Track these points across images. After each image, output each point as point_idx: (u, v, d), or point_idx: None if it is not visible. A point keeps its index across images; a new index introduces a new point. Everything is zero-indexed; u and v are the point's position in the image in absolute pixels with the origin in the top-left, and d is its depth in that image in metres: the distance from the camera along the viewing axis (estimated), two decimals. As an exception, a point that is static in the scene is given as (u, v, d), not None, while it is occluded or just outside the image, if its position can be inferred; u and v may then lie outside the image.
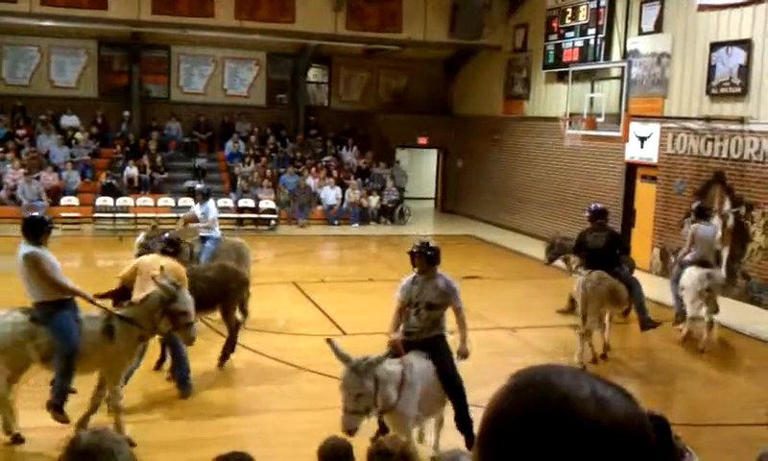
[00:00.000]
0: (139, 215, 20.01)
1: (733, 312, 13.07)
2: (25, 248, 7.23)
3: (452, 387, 7.06)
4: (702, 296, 11.36)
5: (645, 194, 17.31)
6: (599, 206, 11.38)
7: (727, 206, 14.92)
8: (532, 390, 1.14)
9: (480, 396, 8.42)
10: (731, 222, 14.84)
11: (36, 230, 7.33)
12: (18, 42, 23.61)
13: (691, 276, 11.58)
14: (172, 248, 8.95)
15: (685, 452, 4.41)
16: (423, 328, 7.12)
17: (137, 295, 7.98)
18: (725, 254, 14.90)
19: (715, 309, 11.48)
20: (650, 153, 16.89)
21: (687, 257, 11.92)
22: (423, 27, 22.80)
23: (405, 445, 4.24)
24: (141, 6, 20.92)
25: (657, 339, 12.40)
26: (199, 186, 14.07)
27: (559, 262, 13.33)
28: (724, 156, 14.95)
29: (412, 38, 23.06)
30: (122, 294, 8.40)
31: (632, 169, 17.75)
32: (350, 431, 5.89)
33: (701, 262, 11.71)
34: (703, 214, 12.30)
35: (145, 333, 7.58)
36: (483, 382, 9.31)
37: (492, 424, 1.15)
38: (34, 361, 7.24)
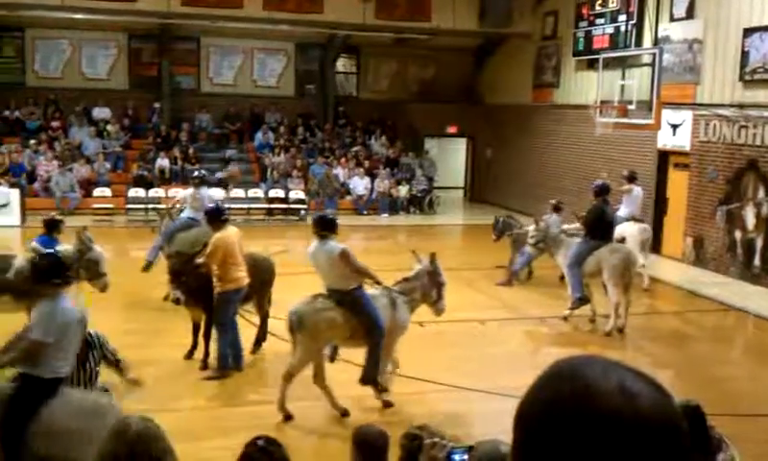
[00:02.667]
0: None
1: (768, 301, 12.94)
2: (334, 244, 7.99)
3: None
4: (644, 246, 13.58)
5: (678, 182, 17.13)
6: (606, 181, 12.23)
7: (761, 193, 14.72)
8: (559, 379, 1.17)
9: (509, 383, 8.42)
10: (765, 210, 14.65)
11: (334, 226, 8.17)
12: (50, 36, 23.84)
13: (631, 228, 13.68)
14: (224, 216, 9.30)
15: (722, 443, 4.37)
16: None
17: (223, 269, 8.78)
18: (759, 242, 14.73)
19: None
20: (682, 140, 16.70)
21: (620, 214, 13.83)
22: (452, 15, 22.68)
23: (433, 429, 4.26)
24: (171, -2, 21.06)
25: (691, 328, 12.33)
26: (195, 173, 14.42)
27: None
28: (758, 143, 14.74)
29: (441, 27, 22.95)
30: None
31: (664, 157, 17.56)
32: None
33: (635, 218, 14.30)
34: (634, 178, 14.67)
35: (415, 306, 8.48)
36: (513, 370, 9.37)
37: (523, 410, 1.19)
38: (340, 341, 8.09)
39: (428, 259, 8.66)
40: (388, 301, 8.25)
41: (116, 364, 6.40)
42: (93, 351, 6.13)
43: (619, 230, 12.79)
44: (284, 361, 9.22)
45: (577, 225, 12.53)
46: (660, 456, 1.10)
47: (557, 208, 14.15)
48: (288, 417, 7.88)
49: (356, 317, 7.99)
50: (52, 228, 9.87)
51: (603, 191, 11.79)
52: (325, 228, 8.12)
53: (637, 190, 14.57)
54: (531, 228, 13.19)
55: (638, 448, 1.09)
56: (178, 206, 13.31)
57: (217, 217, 9.27)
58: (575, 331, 11.63)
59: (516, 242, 14.22)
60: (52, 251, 8.76)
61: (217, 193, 13.60)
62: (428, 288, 8.55)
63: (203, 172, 14.62)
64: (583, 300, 11.39)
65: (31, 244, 9.63)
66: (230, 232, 9.16)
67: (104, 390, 6.25)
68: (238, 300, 9.25)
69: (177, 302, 9.29)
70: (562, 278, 13.63)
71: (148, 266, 12.65)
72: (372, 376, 8.13)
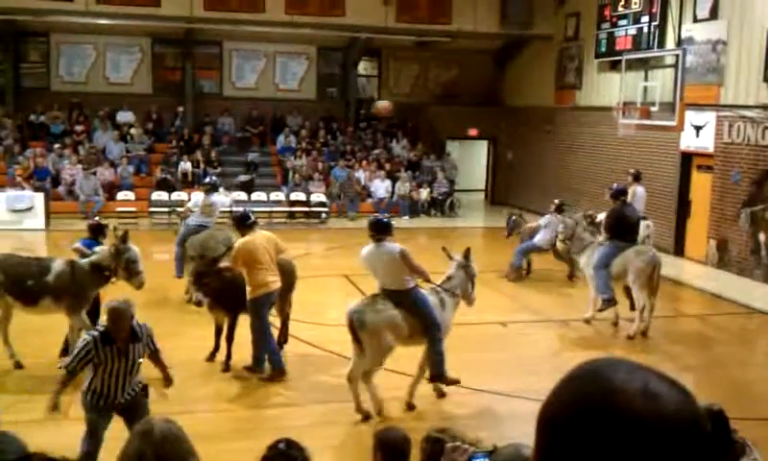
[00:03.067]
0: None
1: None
2: (392, 245, 8.22)
3: None
4: (644, 241, 13.32)
5: (701, 184, 17.00)
6: (621, 185, 12.41)
7: (786, 195, 14.60)
8: (583, 381, 1.17)
9: (531, 386, 8.40)
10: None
11: (390, 228, 8.42)
12: (74, 41, 24.09)
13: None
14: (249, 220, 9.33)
15: (745, 447, 4.34)
16: None
17: (251, 274, 8.81)
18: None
19: None
20: (706, 142, 16.57)
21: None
22: (474, 18, 22.67)
23: (458, 437, 4.24)
24: (194, 2, 21.21)
25: (715, 331, 12.24)
26: (207, 179, 14.74)
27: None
28: (783, 144, 14.61)
29: (462, 29, 22.95)
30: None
31: (687, 159, 17.44)
32: None
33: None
34: (638, 178, 15.06)
35: (457, 303, 8.83)
36: (535, 373, 9.35)
37: (546, 412, 1.20)
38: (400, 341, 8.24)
39: (462, 254, 8.99)
40: (438, 300, 8.51)
41: (157, 359, 6.47)
42: (137, 343, 6.13)
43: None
44: (306, 362, 9.28)
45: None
46: (683, 458, 1.10)
47: (559, 209, 14.33)
48: (367, 417, 8.01)
49: (414, 316, 8.20)
50: (97, 232, 10.01)
51: (620, 193, 11.88)
52: (382, 231, 8.33)
53: (641, 190, 14.81)
54: (542, 221, 14.22)
55: (661, 450, 1.09)
56: (189, 212, 13.48)
57: (242, 222, 9.31)
58: (597, 335, 11.58)
59: (523, 238, 14.99)
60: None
61: (225, 200, 13.88)
62: (465, 283, 8.88)
63: (214, 178, 15.10)
64: (611, 301, 11.32)
65: (74, 245, 9.76)
66: (257, 237, 9.15)
67: (142, 387, 6.29)
68: (270, 304, 9.26)
69: (199, 304, 9.35)
70: (570, 276, 14.48)
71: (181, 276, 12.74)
72: (439, 371, 8.32)
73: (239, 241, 9.09)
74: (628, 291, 11.59)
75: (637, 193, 14.67)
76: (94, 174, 21.22)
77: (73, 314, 8.98)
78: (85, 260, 9.16)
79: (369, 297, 8.34)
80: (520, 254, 14.84)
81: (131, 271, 9.32)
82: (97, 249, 9.46)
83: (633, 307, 11.60)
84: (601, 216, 13.23)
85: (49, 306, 9.02)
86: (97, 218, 11.08)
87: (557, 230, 13.50)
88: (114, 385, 6.08)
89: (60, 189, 20.98)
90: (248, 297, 9.04)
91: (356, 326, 8.00)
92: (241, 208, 10.55)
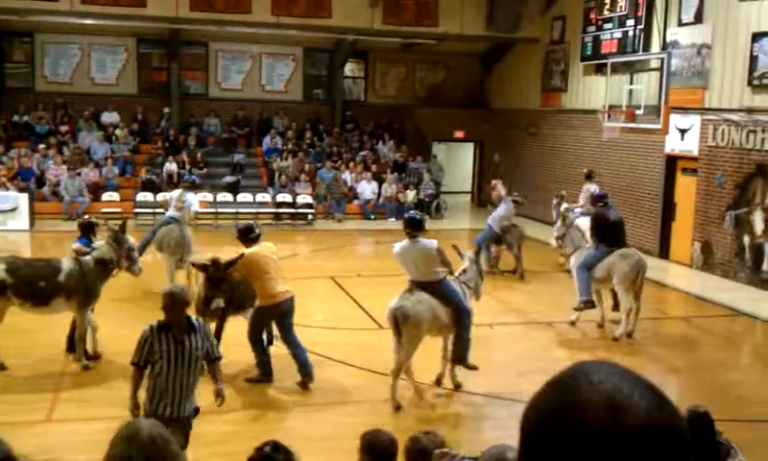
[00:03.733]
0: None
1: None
2: (427, 240, 8.84)
3: None
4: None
5: (686, 187, 17.09)
6: (602, 191, 12.89)
7: (769, 198, 14.70)
8: (556, 390, 1.18)
9: (516, 387, 8.42)
10: (773, 215, 14.62)
11: (423, 225, 9.09)
12: (59, 41, 23.95)
13: (584, 220, 13.95)
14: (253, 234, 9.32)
15: (731, 449, 4.37)
16: None
17: (259, 284, 8.92)
18: (767, 247, 14.69)
19: None
20: (690, 145, 16.67)
21: (577, 209, 14.99)
22: (460, 20, 22.71)
23: (441, 442, 4.23)
24: (179, 3, 21.12)
25: (700, 334, 12.30)
26: (186, 177, 15.52)
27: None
28: (766, 147, 14.70)
29: (448, 32, 22.98)
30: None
31: (672, 162, 17.53)
32: None
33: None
34: (591, 176, 16.36)
35: (471, 294, 9.31)
36: (521, 374, 9.38)
37: (524, 417, 1.20)
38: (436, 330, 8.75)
39: (472, 252, 9.85)
40: (460, 289, 9.05)
41: (215, 368, 6.40)
42: (193, 335, 6.06)
43: (577, 222, 13.73)
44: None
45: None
46: None
47: (515, 202, 15.59)
48: (398, 407, 8.36)
49: (448, 305, 8.69)
50: (88, 229, 10.12)
51: (600, 198, 12.16)
52: (416, 228, 8.91)
53: (594, 188, 15.54)
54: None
55: None
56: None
57: (246, 235, 9.26)
58: (583, 337, 11.61)
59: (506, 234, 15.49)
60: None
61: (196, 202, 13.97)
62: (477, 277, 9.51)
63: (194, 178, 15.72)
64: (589, 303, 11.40)
65: (73, 246, 9.88)
66: (263, 249, 9.10)
67: (195, 409, 6.21)
68: (280, 314, 9.15)
69: (218, 310, 9.24)
70: (515, 271, 15.26)
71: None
72: (464, 355, 8.86)
73: (246, 253, 8.97)
74: (614, 293, 11.65)
75: (591, 189, 15.52)
76: (79, 175, 21.10)
77: (82, 311, 9.25)
78: (88, 257, 9.39)
79: (405, 291, 8.66)
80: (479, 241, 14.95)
81: (132, 259, 9.74)
82: (95, 244, 9.72)
83: (616, 308, 11.69)
84: (577, 210, 14.51)
85: (60, 305, 9.23)
86: (87, 216, 11.10)
87: (508, 215, 15.01)
88: (173, 385, 5.96)
89: (45, 190, 20.86)
90: (256, 304, 9.18)
91: (400, 320, 8.35)
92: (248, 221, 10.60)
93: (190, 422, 6.17)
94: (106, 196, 21.08)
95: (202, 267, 9.13)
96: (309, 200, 22.01)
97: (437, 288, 8.66)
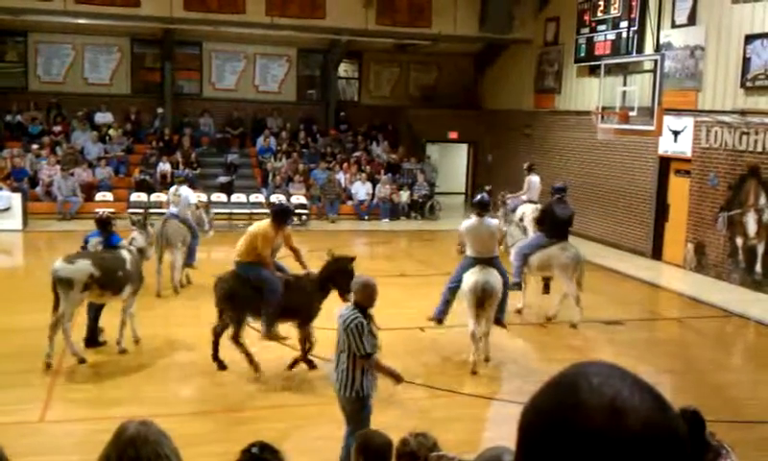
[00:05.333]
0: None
1: (769, 308, 12.94)
2: (492, 219, 10.05)
3: None
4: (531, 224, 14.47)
5: (679, 188, 17.13)
6: (562, 184, 12.97)
7: (762, 200, 14.73)
8: (555, 391, 1.17)
9: (516, 387, 8.43)
10: (766, 216, 14.66)
11: (490, 205, 10.32)
12: (53, 41, 23.90)
13: (527, 208, 15.92)
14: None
15: (722, 450, 4.37)
16: None
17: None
18: (760, 248, 14.74)
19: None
20: (684, 147, 16.71)
21: (522, 198, 16.92)
22: (454, 21, 22.74)
23: (433, 444, 4.21)
24: (173, 3, 21.10)
25: (693, 335, 12.33)
26: (179, 172, 15.67)
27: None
28: (759, 149, 14.75)
29: (442, 33, 23.01)
30: None
31: (665, 163, 17.57)
32: None
33: (531, 201, 16.82)
34: (532, 169, 17.60)
35: None
36: (519, 375, 9.39)
37: (523, 418, 1.20)
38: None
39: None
40: None
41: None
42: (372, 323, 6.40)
43: (519, 210, 15.49)
44: (284, 365, 9.22)
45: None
46: None
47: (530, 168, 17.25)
48: (474, 372, 9.40)
49: (501, 275, 9.88)
50: (106, 224, 10.34)
51: (557, 191, 12.48)
52: (485, 208, 10.06)
53: (535, 179, 17.28)
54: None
55: None
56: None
57: (284, 216, 10.29)
58: (581, 337, 11.62)
59: None
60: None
61: (192, 196, 14.40)
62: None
63: (187, 171, 15.96)
64: (518, 285, 12.03)
65: (91, 241, 10.30)
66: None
67: None
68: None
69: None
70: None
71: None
72: (503, 316, 10.16)
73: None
74: (545, 280, 12.53)
75: (532, 182, 17.08)
76: (72, 175, 21.05)
77: (134, 297, 10.00)
78: (133, 247, 10.24)
79: (477, 267, 9.66)
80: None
81: (150, 246, 10.93)
82: (136, 237, 10.62)
83: (546, 291, 12.59)
84: (523, 197, 16.24)
85: (127, 293, 9.87)
86: (104, 211, 11.42)
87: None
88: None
89: (38, 190, 20.82)
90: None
91: (488, 293, 9.42)
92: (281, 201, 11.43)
93: None
94: (99, 196, 21.03)
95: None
96: (303, 200, 21.99)
97: (495, 262, 9.86)
